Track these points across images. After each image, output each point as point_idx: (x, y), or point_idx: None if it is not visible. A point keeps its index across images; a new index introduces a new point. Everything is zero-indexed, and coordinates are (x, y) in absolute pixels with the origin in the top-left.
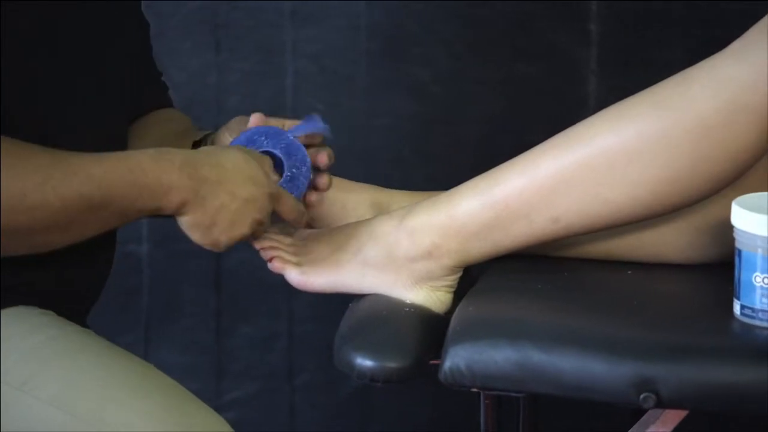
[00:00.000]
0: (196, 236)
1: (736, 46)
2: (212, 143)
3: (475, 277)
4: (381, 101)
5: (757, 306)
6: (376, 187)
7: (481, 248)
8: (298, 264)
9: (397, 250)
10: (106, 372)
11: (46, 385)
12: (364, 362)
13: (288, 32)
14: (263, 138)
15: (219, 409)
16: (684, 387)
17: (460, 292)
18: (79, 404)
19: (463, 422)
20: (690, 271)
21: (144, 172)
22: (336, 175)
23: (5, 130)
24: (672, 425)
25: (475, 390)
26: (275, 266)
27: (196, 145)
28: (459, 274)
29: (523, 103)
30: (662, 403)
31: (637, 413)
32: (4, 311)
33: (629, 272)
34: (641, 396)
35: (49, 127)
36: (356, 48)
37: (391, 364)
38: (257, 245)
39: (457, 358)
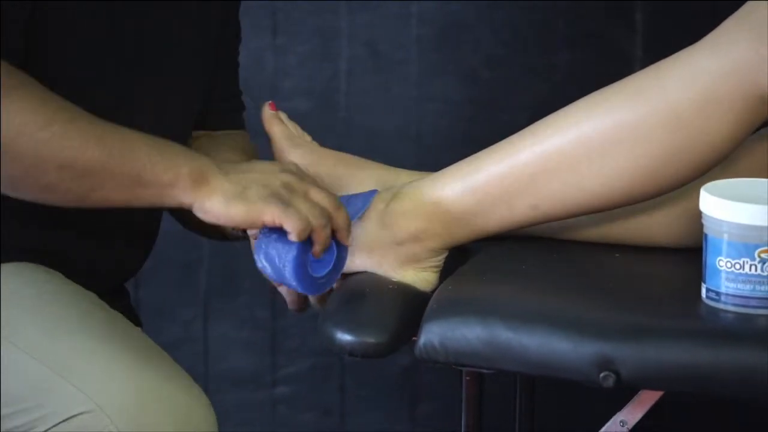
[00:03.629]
0: (237, 210)
1: (711, 37)
2: None
3: (469, 256)
4: (431, 86)
5: (722, 290)
6: (382, 165)
7: (464, 232)
8: None
9: (383, 233)
10: (84, 326)
11: (25, 334)
12: (344, 337)
13: (344, 17)
14: None
15: (273, 383)
16: (643, 367)
17: (452, 271)
18: (52, 354)
19: None
20: (678, 254)
21: (171, 144)
22: (385, 158)
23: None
24: (646, 406)
25: (454, 367)
26: None
27: None
28: (445, 255)
29: (569, 89)
30: (622, 383)
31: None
32: (5, 265)
33: (617, 255)
34: (601, 375)
35: (118, 97)
36: (408, 34)
37: (369, 339)
38: None
39: (431, 334)
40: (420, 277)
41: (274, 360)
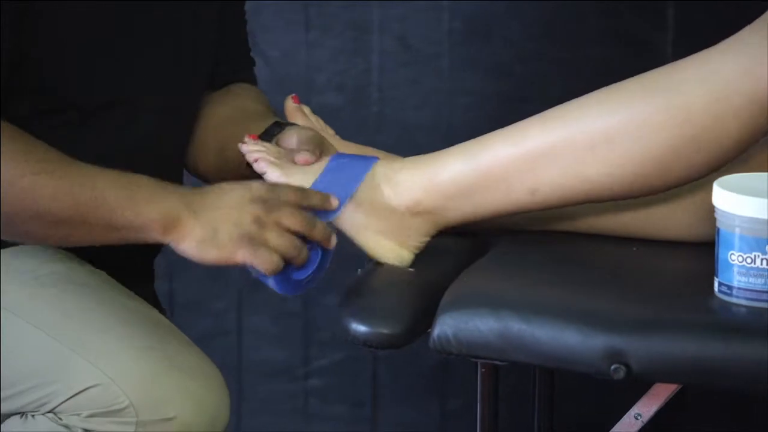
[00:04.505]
0: (209, 254)
1: (729, 41)
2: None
3: (485, 250)
4: (462, 80)
5: (734, 284)
6: (386, 153)
7: (457, 210)
8: (279, 166)
9: (378, 193)
10: (98, 303)
11: (36, 310)
12: (359, 328)
13: (375, 11)
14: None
15: (306, 376)
16: (654, 360)
17: (466, 264)
18: (64, 330)
19: None
20: (693, 248)
21: (140, 186)
22: (416, 152)
23: (79, 90)
24: (662, 399)
25: (468, 358)
26: (259, 166)
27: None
28: (428, 239)
29: (600, 84)
30: (633, 375)
31: None
32: (18, 246)
33: (635, 248)
34: (612, 367)
35: (120, 89)
36: (439, 28)
37: (384, 331)
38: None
39: (445, 326)
40: (396, 252)
41: (306, 352)
